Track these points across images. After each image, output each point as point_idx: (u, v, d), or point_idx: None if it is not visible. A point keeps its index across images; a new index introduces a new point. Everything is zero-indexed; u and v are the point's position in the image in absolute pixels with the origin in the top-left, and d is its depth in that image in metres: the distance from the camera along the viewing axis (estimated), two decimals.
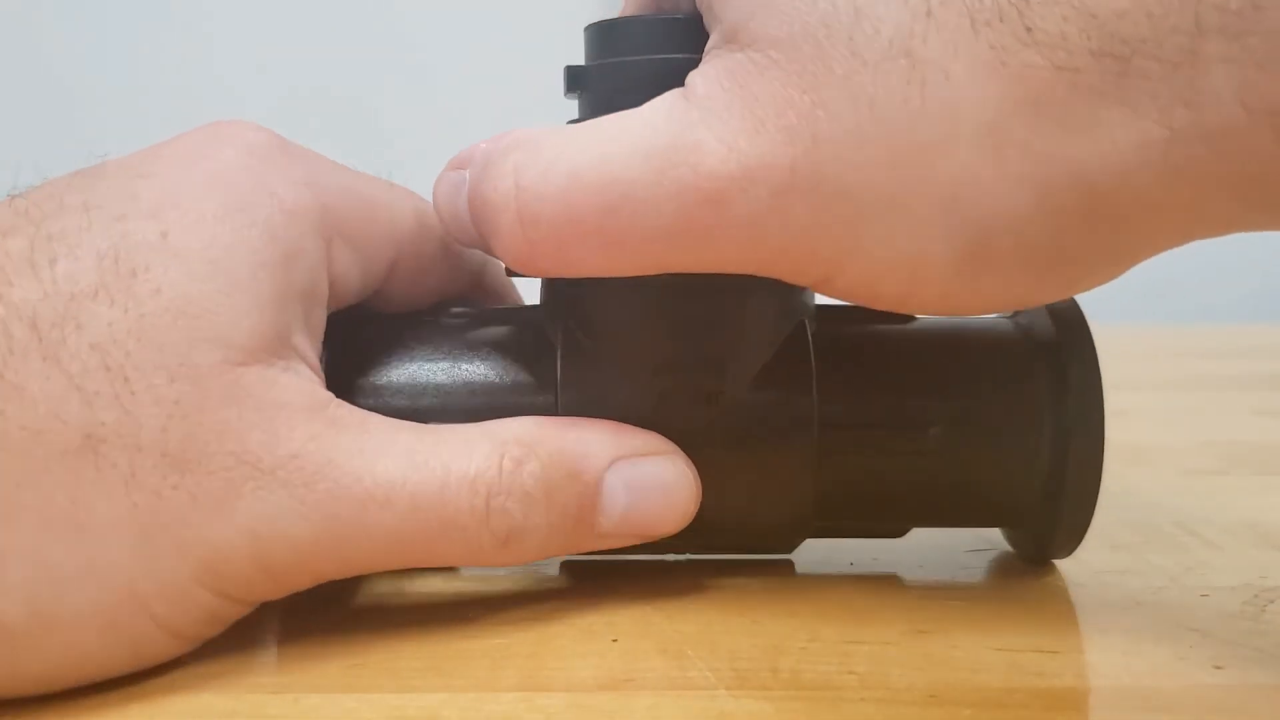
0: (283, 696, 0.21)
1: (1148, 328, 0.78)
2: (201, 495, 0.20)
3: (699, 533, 0.26)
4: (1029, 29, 0.19)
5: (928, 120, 0.19)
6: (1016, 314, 0.28)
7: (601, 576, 0.27)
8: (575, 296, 0.26)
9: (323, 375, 0.23)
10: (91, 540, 0.20)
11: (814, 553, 0.28)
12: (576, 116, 0.27)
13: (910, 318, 0.28)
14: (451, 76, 1.05)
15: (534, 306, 0.27)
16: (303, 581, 0.22)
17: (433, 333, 0.26)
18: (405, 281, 0.26)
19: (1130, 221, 0.20)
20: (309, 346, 0.23)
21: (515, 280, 0.30)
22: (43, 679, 0.20)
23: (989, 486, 0.26)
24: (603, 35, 0.26)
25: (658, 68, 0.25)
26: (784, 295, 0.26)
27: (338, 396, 0.24)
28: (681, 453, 0.24)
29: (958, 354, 0.26)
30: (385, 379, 0.26)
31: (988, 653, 0.22)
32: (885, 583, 0.27)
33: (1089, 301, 0.26)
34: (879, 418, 0.26)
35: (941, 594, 0.26)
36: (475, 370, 0.26)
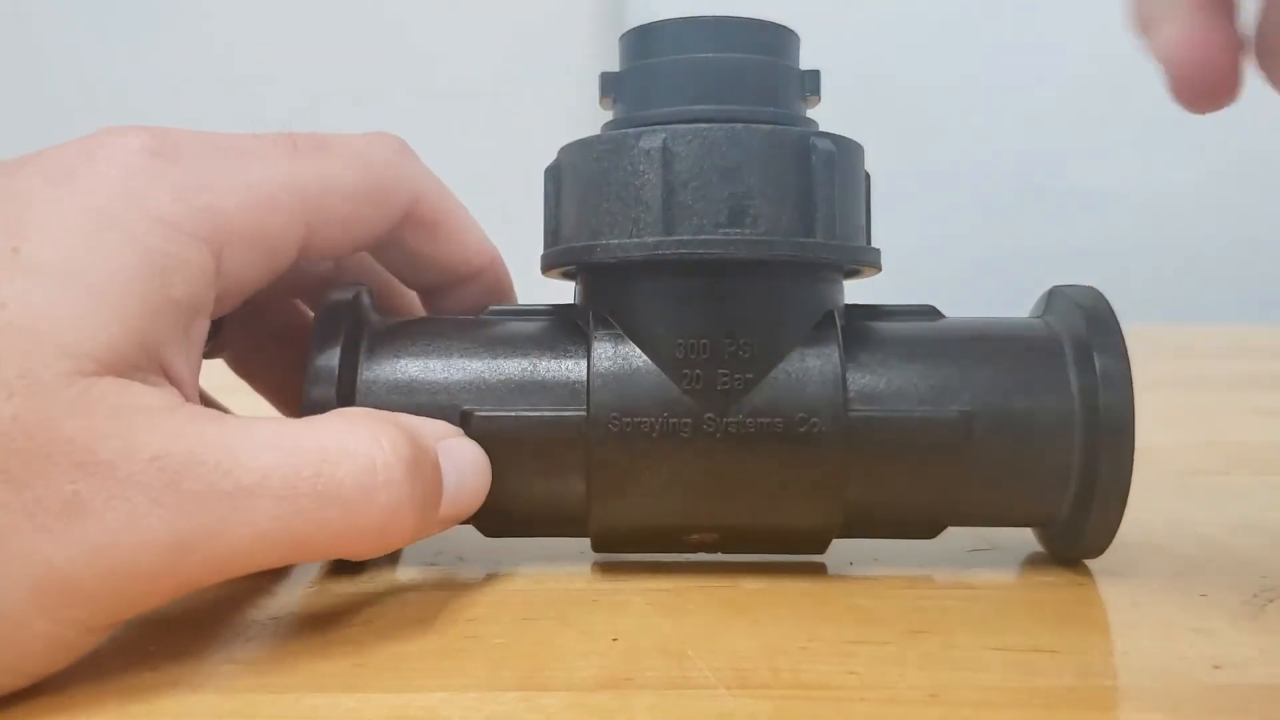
0: (283, 696, 0.21)
1: (1148, 328, 0.78)
2: (39, 512, 0.19)
3: (727, 528, 0.26)
4: None
5: None
6: (1046, 312, 0.28)
7: (602, 576, 0.27)
8: (608, 284, 0.26)
9: (193, 389, 0.22)
10: None
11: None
12: (610, 122, 0.27)
13: (939, 315, 0.28)
14: (451, 76, 1.05)
15: (570, 305, 0.28)
16: (165, 591, 0.20)
17: (467, 327, 0.27)
18: (323, 245, 0.26)
19: None
20: (183, 359, 0.22)
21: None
22: None
23: (1021, 486, 0.26)
24: (639, 38, 0.27)
25: (695, 65, 0.26)
26: (815, 282, 0.26)
27: (372, 399, 0.25)
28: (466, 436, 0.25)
29: (988, 352, 0.26)
30: (420, 373, 0.26)
31: (988, 653, 0.22)
32: (885, 583, 0.27)
33: None
34: (908, 406, 0.26)
35: (941, 594, 0.26)
36: (509, 363, 0.26)
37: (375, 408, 0.25)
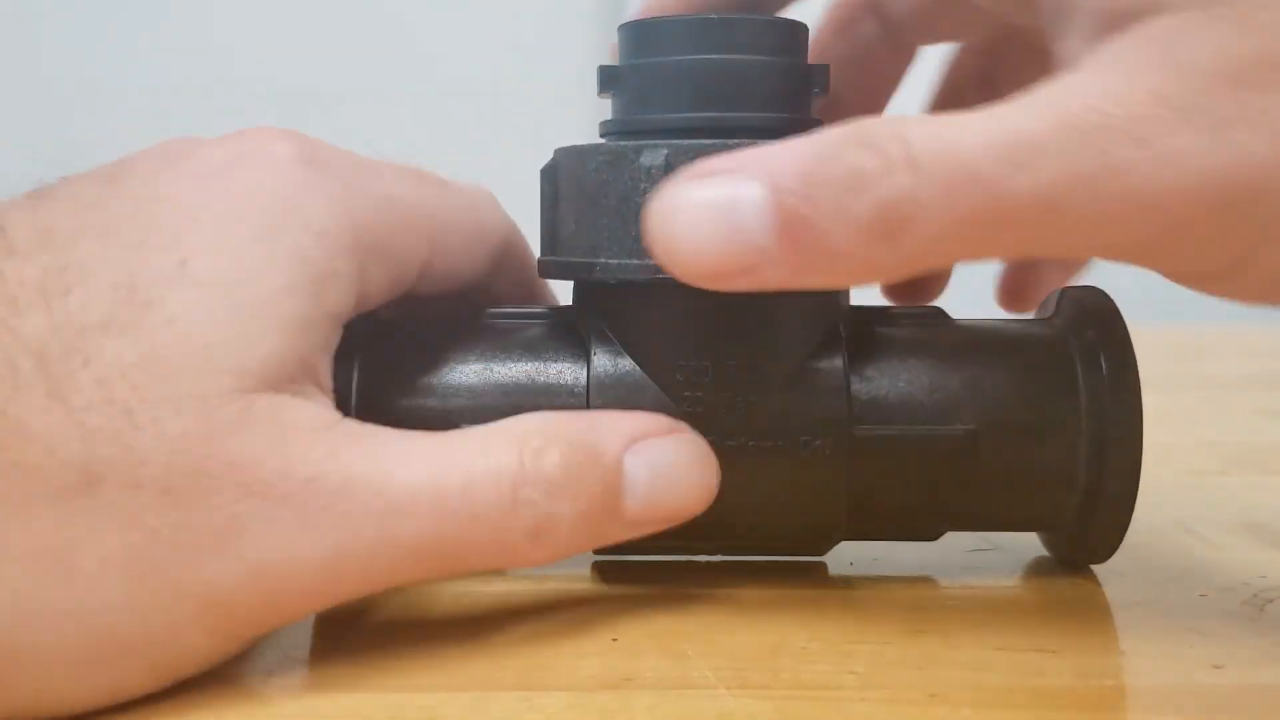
0: (283, 696, 0.21)
1: (1148, 328, 0.78)
2: (204, 532, 0.19)
3: (730, 534, 0.26)
4: None
5: None
6: (1053, 316, 0.27)
7: (602, 577, 0.27)
8: (607, 298, 0.26)
9: (332, 394, 0.22)
10: (79, 583, 0.19)
11: None
12: (608, 118, 0.27)
13: (947, 318, 0.27)
14: (451, 75, 1.05)
15: (569, 307, 0.27)
16: (314, 609, 0.21)
17: (466, 334, 0.26)
18: (438, 278, 0.26)
19: None
20: (326, 369, 0.22)
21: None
22: (9, 710, 0.19)
23: (1024, 491, 0.26)
24: (640, 34, 0.26)
25: (698, 67, 0.25)
26: (817, 298, 0.25)
27: (367, 401, 0.24)
28: (691, 429, 0.24)
29: (994, 356, 0.26)
30: (417, 380, 0.26)
31: (988, 653, 0.22)
32: (885, 583, 0.27)
33: None
34: (912, 421, 0.25)
35: (941, 594, 0.26)
36: (507, 372, 0.26)
37: (370, 410, 0.25)
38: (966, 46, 0.34)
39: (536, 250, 0.28)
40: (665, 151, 0.24)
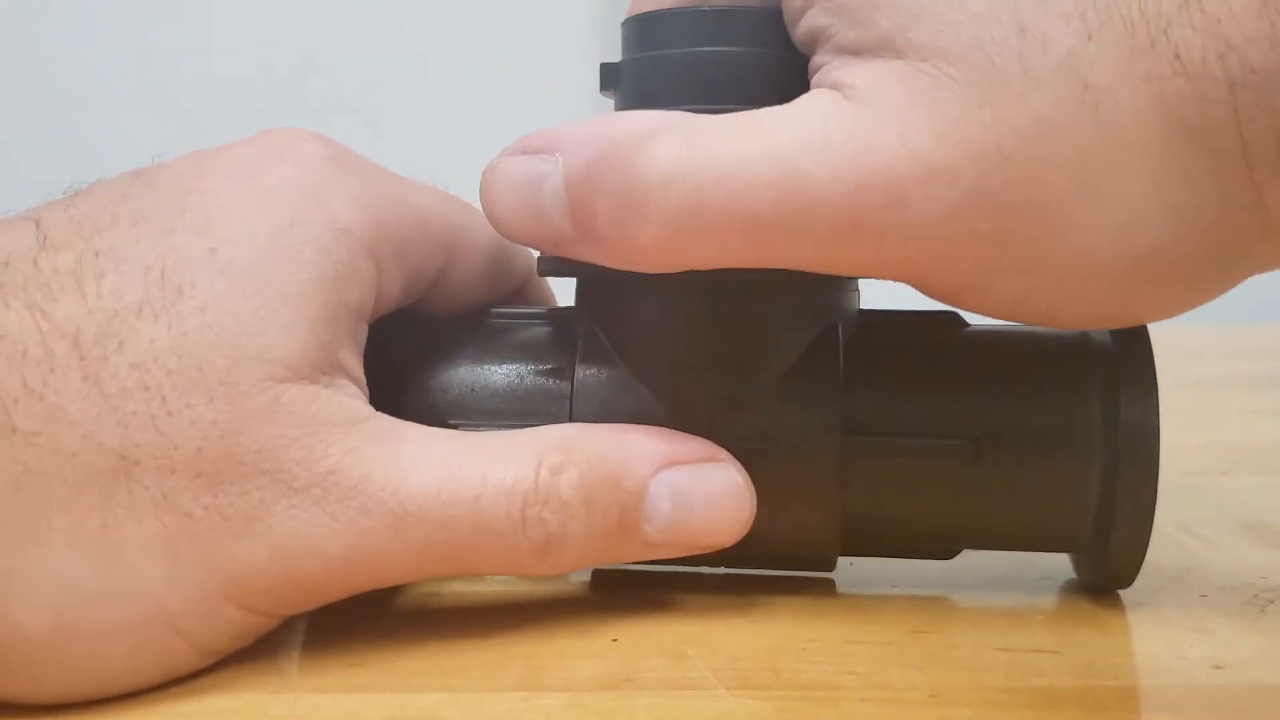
0: (283, 696, 0.21)
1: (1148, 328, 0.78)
2: (233, 515, 0.20)
3: (721, 550, 0.25)
4: (1177, 56, 0.19)
5: (1103, 146, 0.20)
6: None
7: (602, 578, 0.27)
8: (597, 297, 0.26)
9: (366, 389, 0.23)
10: (121, 562, 0.20)
11: None
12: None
13: (961, 324, 0.26)
14: (451, 74, 1.05)
15: (567, 309, 0.27)
16: (336, 594, 0.22)
17: (461, 333, 0.26)
18: (451, 291, 0.26)
19: (1266, 240, 0.21)
20: (355, 362, 0.23)
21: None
22: (66, 689, 0.20)
23: (1034, 508, 0.24)
24: (639, 29, 0.26)
25: (695, 61, 0.24)
26: (811, 296, 0.25)
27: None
28: (734, 460, 0.23)
29: (1004, 363, 0.25)
30: (410, 377, 0.26)
31: (988, 653, 0.22)
32: (885, 583, 0.27)
33: None
34: (909, 429, 0.24)
35: (941, 594, 0.26)
36: (496, 371, 0.26)
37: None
38: None
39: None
40: None
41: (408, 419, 0.23)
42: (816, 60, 0.22)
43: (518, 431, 0.23)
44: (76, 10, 1.05)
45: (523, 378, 0.25)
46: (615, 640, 0.23)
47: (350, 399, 0.22)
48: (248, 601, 0.21)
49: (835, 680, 0.21)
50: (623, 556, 0.23)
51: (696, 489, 0.23)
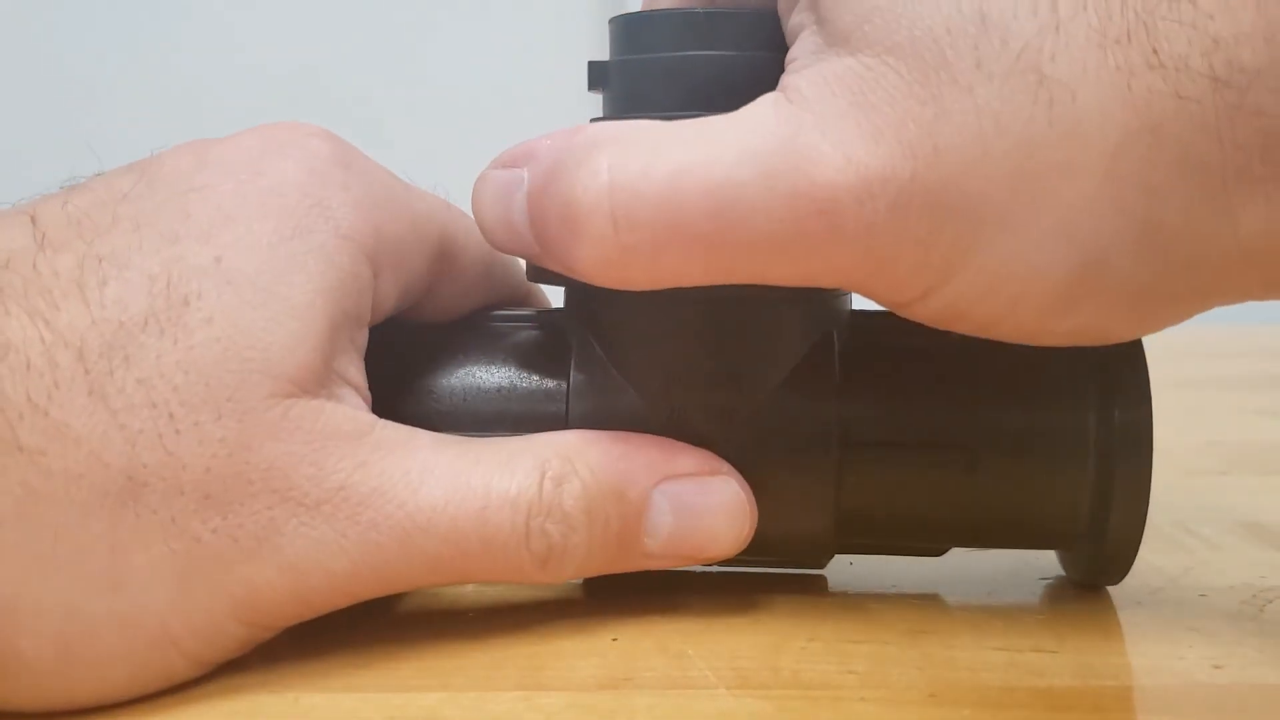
0: (283, 696, 0.21)
1: None
2: (242, 536, 0.20)
3: None
4: (1155, 50, 0.18)
5: (1052, 143, 0.19)
6: None
7: (602, 578, 0.27)
8: (591, 305, 0.25)
9: (369, 396, 0.23)
10: (128, 591, 0.19)
11: None
12: (600, 115, 0.26)
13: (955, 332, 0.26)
14: (451, 75, 1.05)
15: (561, 312, 0.27)
16: (338, 605, 0.22)
17: (457, 337, 0.26)
18: (444, 298, 0.26)
19: (1231, 268, 0.19)
20: (356, 370, 0.22)
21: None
22: (65, 704, 0.20)
23: (1026, 509, 0.25)
24: (626, 30, 0.25)
25: (683, 64, 0.24)
26: (807, 305, 0.25)
27: None
28: (735, 472, 0.23)
29: (997, 368, 0.25)
30: (406, 381, 0.25)
31: (988, 653, 0.22)
32: (885, 583, 0.27)
33: None
34: (906, 434, 0.24)
35: (941, 594, 0.26)
36: (491, 376, 0.25)
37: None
38: None
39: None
40: None
41: (404, 422, 0.23)
42: (787, 60, 0.22)
43: (519, 439, 0.23)
44: (78, 10, 1.05)
45: (515, 384, 0.25)
46: (615, 640, 0.23)
47: (355, 410, 0.21)
48: (252, 619, 0.21)
49: (835, 680, 0.21)
50: (622, 567, 0.23)
51: (698, 502, 0.23)
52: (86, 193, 0.21)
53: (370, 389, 0.23)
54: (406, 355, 0.26)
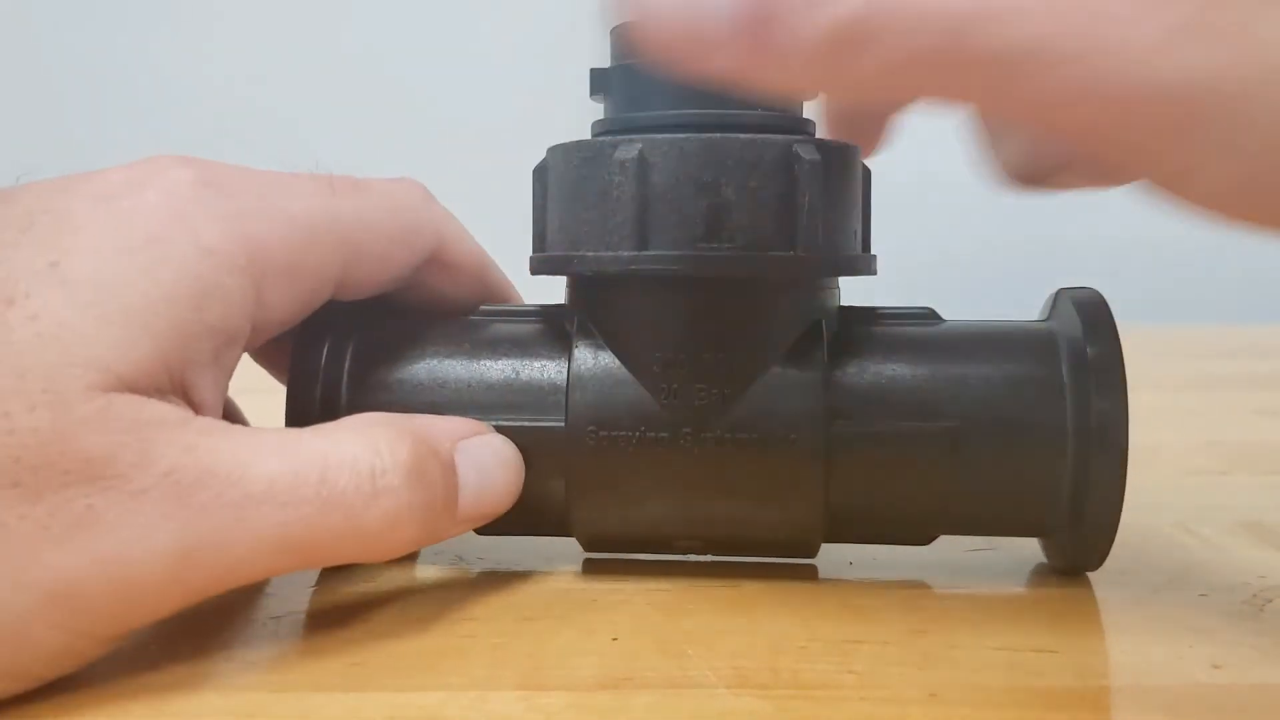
0: (283, 696, 0.21)
1: (1148, 328, 0.78)
2: (54, 525, 0.19)
3: (710, 528, 0.26)
4: None
5: None
6: (1051, 315, 0.27)
7: (600, 576, 0.27)
8: (592, 293, 0.26)
9: (215, 412, 0.22)
10: None
11: None
12: (601, 119, 0.27)
13: (938, 320, 0.27)
14: (451, 81, 1.05)
15: (560, 306, 0.28)
16: (172, 602, 0.21)
17: (457, 329, 0.27)
18: (359, 283, 0.26)
19: None
20: (210, 383, 0.22)
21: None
22: None
23: (1009, 493, 0.25)
24: (623, 38, 0.26)
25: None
26: (798, 295, 0.26)
27: (358, 388, 0.25)
28: (495, 431, 0.25)
29: (979, 355, 0.26)
30: (407, 373, 0.26)
31: (988, 653, 0.22)
32: (885, 583, 0.27)
33: None
34: (892, 418, 0.25)
35: (941, 594, 0.26)
36: (493, 367, 0.26)
37: (359, 397, 0.26)
38: None
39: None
40: (639, 146, 0.24)
41: (403, 413, 0.23)
42: None
43: (334, 422, 0.24)
44: (73, 12, 1.05)
45: (517, 374, 0.26)
46: (615, 640, 0.23)
47: (180, 409, 0.21)
48: (66, 620, 0.20)
49: (835, 680, 0.21)
50: (440, 533, 0.24)
51: (488, 457, 0.25)
52: None
53: (373, 381, 0.24)
54: (410, 348, 0.27)
